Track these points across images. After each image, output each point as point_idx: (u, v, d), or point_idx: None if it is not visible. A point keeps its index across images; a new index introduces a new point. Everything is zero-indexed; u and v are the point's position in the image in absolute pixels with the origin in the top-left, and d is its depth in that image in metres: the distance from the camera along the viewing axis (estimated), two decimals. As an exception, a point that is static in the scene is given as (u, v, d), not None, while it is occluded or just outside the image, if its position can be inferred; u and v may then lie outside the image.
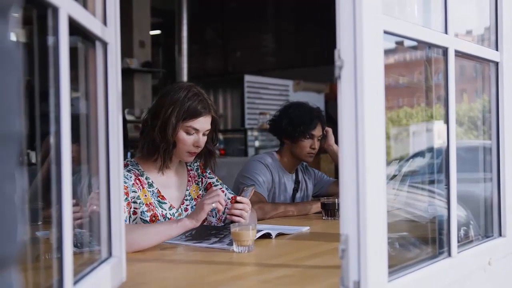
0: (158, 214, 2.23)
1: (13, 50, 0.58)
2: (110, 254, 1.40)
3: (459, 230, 1.68)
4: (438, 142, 2.05)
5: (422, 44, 1.64)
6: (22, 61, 0.61)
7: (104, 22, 1.37)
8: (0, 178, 0.56)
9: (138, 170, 2.26)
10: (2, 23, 0.56)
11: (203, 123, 2.25)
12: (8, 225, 0.57)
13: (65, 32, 1.04)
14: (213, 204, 2.02)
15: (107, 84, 1.39)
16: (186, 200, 2.37)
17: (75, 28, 1.13)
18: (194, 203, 2.38)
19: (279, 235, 2.22)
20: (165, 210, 2.26)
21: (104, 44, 1.37)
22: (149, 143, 2.24)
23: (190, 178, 2.42)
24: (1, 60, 0.56)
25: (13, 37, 0.60)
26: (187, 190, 2.39)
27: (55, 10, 1.02)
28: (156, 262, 1.84)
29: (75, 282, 1.11)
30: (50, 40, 1.03)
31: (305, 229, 2.40)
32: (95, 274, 1.25)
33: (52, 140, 1.03)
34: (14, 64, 0.58)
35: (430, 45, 1.60)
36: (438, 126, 1.99)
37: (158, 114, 2.22)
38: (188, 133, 2.23)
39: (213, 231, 2.20)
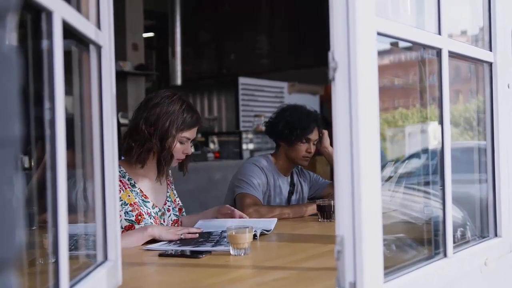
0: (143, 213, 2.29)
1: (12, 54, 0.59)
2: (105, 258, 1.40)
3: (456, 231, 1.68)
4: (434, 143, 2.05)
5: (416, 45, 1.64)
6: (19, 65, 0.61)
7: (98, 26, 1.37)
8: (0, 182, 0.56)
9: (120, 172, 2.29)
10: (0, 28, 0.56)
11: (195, 132, 2.39)
12: (7, 228, 0.58)
13: (59, 35, 1.04)
14: (182, 236, 2.17)
15: (101, 88, 1.39)
16: (168, 201, 2.47)
17: (68, 32, 1.13)
18: (174, 205, 2.49)
19: (262, 234, 2.26)
20: (149, 208, 2.33)
21: (98, 48, 1.37)
22: (145, 152, 2.29)
23: (169, 182, 2.53)
24: (0, 65, 0.56)
25: (10, 42, 0.60)
26: (168, 192, 2.49)
27: (49, 14, 1.01)
28: (151, 266, 1.84)
29: (71, 286, 1.11)
30: (44, 43, 1.03)
31: (273, 220, 2.45)
32: (91, 278, 1.25)
33: (47, 144, 1.03)
34: (13, 69, 0.58)
35: (424, 46, 1.61)
36: (434, 127, 2.00)
37: (155, 124, 2.27)
38: (181, 142, 2.34)
39: (203, 237, 2.18)
